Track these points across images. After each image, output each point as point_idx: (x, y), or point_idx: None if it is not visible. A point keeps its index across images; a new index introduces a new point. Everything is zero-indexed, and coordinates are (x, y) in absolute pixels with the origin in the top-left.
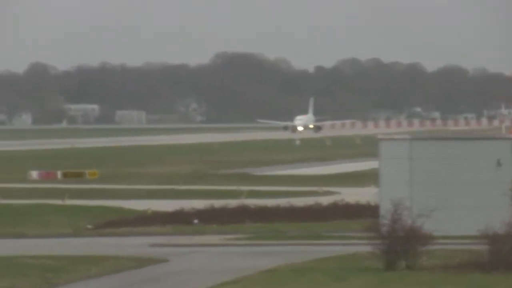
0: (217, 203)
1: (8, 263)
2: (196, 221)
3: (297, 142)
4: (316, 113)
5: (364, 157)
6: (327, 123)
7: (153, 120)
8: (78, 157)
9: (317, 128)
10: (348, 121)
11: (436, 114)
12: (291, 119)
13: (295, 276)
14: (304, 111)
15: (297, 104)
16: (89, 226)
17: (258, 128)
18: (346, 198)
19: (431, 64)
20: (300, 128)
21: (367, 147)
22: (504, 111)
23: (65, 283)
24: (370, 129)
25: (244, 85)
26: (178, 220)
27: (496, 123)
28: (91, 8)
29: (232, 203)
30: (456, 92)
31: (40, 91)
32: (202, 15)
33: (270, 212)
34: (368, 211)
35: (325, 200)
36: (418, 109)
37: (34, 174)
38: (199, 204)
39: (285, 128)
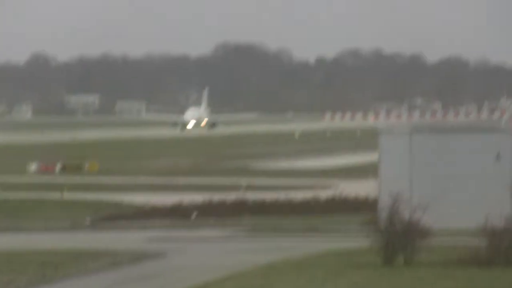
0: (216, 196)
1: (7, 258)
2: (194, 214)
3: (296, 135)
4: (316, 105)
5: (364, 149)
6: (224, 116)
7: (154, 111)
8: (79, 149)
9: (211, 125)
10: (250, 115)
11: (438, 105)
12: (293, 109)
13: (294, 271)
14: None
15: (300, 95)
16: (88, 220)
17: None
18: (345, 191)
19: (433, 55)
20: (190, 125)
21: (367, 139)
22: (505, 102)
23: (62, 278)
24: (370, 121)
25: (245, 76)
26: (177, 214)
27: (497, 115)
28: (92, 0)
29: (231, 196)
30: (458, 84)
31: (40, 82)
32: (201, 5)
33: (268, 206)
34: (367, 205)
35: (324, 194)
36: (419, 100)
37: (33, 166)
38: (199, 197)
39: (174, 124)
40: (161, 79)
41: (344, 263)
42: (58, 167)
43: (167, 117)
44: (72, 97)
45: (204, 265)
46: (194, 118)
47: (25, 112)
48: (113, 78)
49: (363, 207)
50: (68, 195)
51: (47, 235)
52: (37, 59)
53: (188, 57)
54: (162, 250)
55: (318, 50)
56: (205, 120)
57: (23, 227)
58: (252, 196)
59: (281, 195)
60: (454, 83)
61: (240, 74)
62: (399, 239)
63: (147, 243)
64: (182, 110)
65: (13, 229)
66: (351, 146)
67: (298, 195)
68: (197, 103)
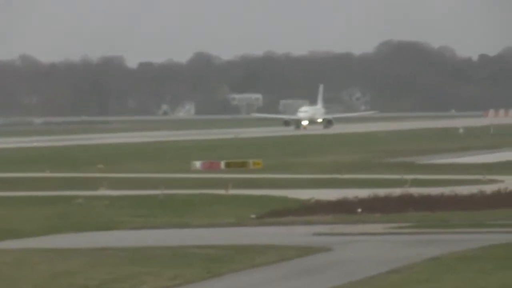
0: (381, 192)
1: (173, 253)
2: (359, 210)
3: (461, 131)
4: (479, 102)
5: None
6: (341, 115)
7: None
8: (241, 147)
9: (328, 122)
10: (369, 112)
11: None
12: (456, 106)
13: (460, 264)
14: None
15: (464, 92)
16: (253, 216)
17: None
18: (510, 186)
19: None
20: (304, 123)
21: None
22: None
23: (229, 272)
24: None
25: (408, 74)
26: (342, 209)
27: None
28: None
29: (396, 192)
30: None
31: (204, 81)
32: (366, 3)
33: (433, 200)
34: None
35: (489, 188)
36: None
37: (197, 164)
38: (363, 193)
39: (286, 123)
40: (324, 77)
41: (511, 256)
42: (222, 164)
43: (278, 116)
44: (236, 95)
45: (370, 259)
46: (307, 117)
47: (188, 111)
48: (277, 76)
49: None
50: (233, 191)
51: (213, 230)
52: (200, 58)
53: (352, 54)
54: (327, 244)
55: (481, 48)
56: (321, 118)
57: (188, 223)
58: (417, 191)
59: (446, 190)
60: None
61: (403, 72)
62: None
63: (313, 238)
64: (346, 108)
65: (179, 225)
66: None
67: (463, 190)
68: (361, 102)
